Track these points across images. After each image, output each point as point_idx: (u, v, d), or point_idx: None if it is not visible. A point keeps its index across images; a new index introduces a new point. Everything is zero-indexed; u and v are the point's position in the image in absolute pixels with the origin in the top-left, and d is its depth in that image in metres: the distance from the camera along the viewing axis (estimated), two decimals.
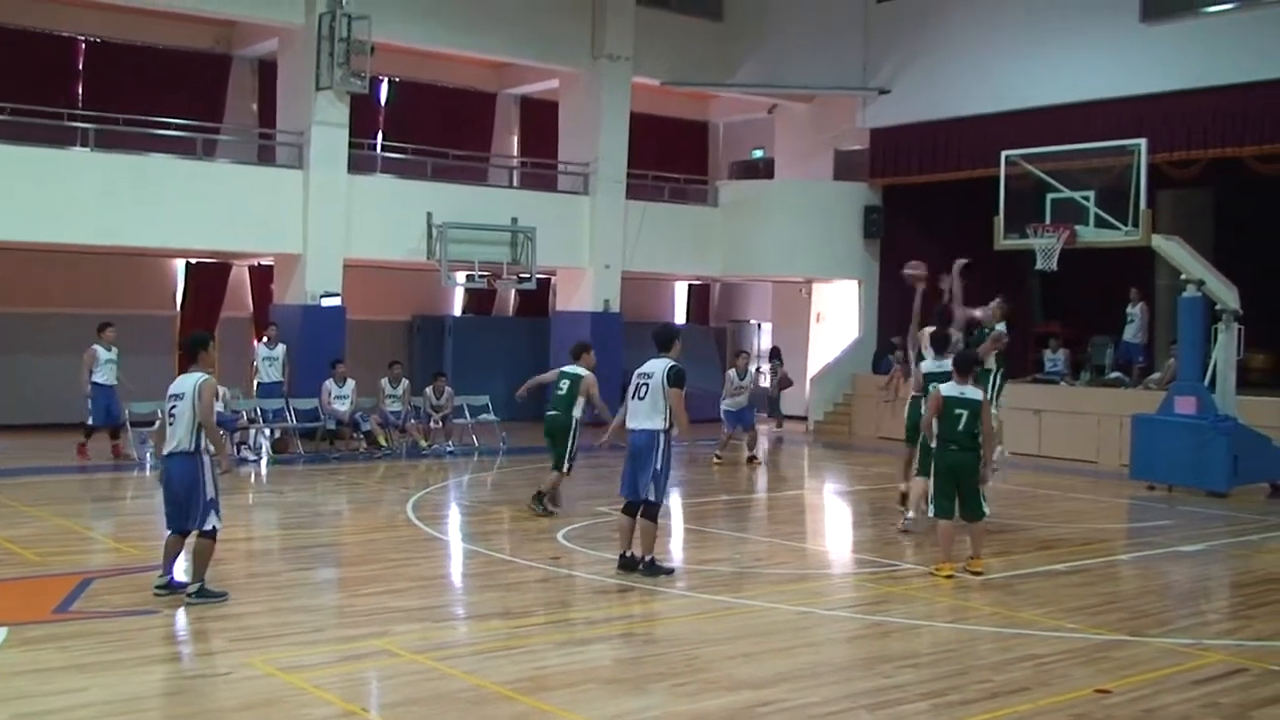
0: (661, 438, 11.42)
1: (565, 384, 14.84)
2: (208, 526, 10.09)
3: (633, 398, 11.68)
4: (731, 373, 21.34)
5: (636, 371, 11.81)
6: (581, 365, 14.91)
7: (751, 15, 28.51)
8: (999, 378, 14.70)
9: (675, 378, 11.44)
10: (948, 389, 11.84)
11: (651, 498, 11.43)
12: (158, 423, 10.50)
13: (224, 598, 10.12)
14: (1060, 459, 21.68)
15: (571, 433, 14.63)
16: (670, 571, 11.60)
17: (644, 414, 11.52)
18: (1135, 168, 17.75)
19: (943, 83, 25.69)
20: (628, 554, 11.62)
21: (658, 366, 11.59)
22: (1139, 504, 17.52)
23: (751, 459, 21.07)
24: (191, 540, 10.20)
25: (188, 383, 10.14)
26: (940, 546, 11.88)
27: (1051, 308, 27.65)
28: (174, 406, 10.12)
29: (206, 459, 10.10)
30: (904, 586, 11.46)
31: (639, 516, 11.51)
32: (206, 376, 10.22)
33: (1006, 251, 19.86)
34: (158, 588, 10.24)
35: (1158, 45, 22.48)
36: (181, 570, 10.36)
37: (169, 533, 10.30)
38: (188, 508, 10.08)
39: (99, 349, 19.33)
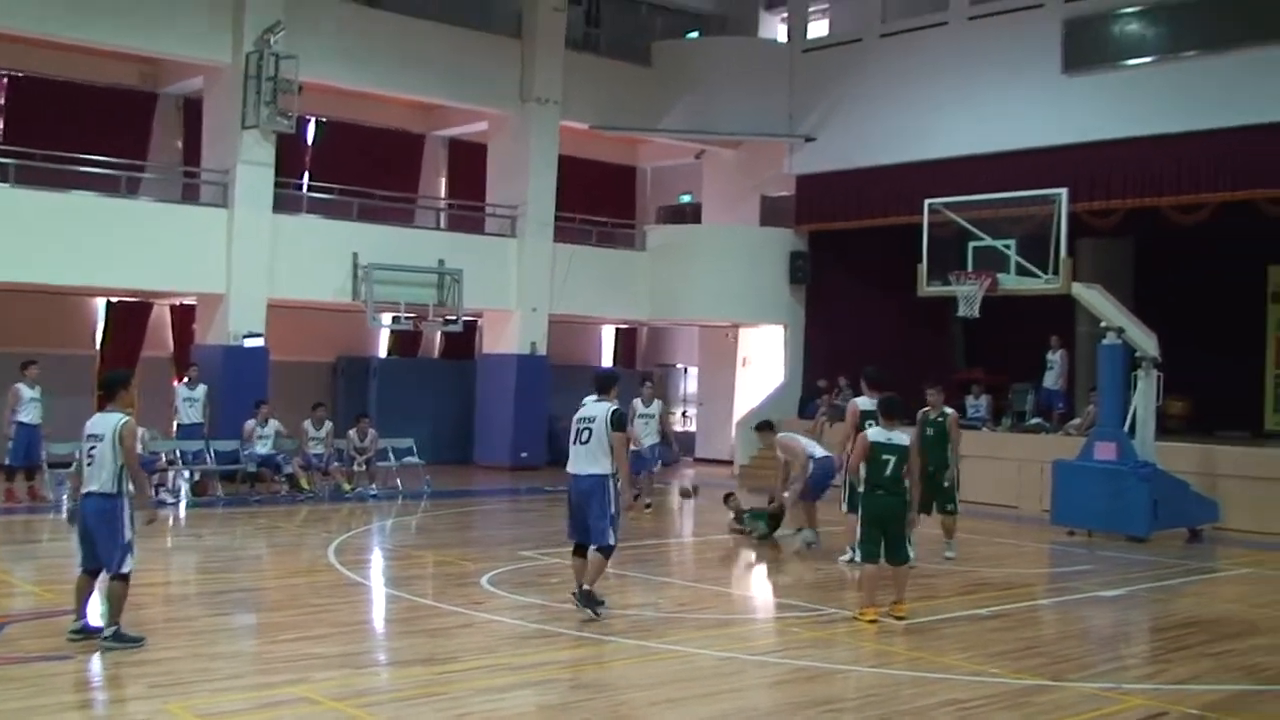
0: (609, 482, 11.41)
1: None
2: (124, 569, 9.88)
3: (574, 442, 11.62)
4: (636, 402, 19.96)
5: (576, 416, 11.78)
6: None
7: (679, 62, 28.73)
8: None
9: (617, 421, 11.52)
10: (875, 434, 11.90)
11: (610, 542, 11.48)
12: (75, 463, 10.31)
13: (141, 642, 9.90)
14: (982, 504, 21.79)
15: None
16: (602, 603, 11.56)
17: (588, 458, 11.48)
18: (1056, 217, 18.03)
19: (867, 131, 26.02)
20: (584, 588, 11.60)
21: (599, 410, 11.61)
22: (1060, 549, 17.69)
23: (647, 505, 20.06)
24: (103, 583, 9.99)
25: (107, 423, 9.98)
26: (864, 590, 11.91)
27: (973, 354, 27.95)
28: (93, 447, 9.95)
29: (126, 501, 9.94)
30: (828, 631, 11.48)
31: (593, 552, 11.50)
32: (126, 418, 10.06)
33: (930, 298, 20.12)
34: (72, 632, 9.99)
35: (1079, 96, 22.91)
36: (96, 614, 10.15)
37: (79, 573, 10.12)
38: (104, 549, 9.89)
39: (22, 388, 18.96)
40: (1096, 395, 19.81)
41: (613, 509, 11.43)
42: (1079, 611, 13.26)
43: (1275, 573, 16.04)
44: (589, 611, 11.38)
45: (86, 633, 10.00)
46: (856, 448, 12.06)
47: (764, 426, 18.14)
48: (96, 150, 22.16)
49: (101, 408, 10.48)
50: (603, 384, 11.99)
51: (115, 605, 9.90)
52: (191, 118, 24.47)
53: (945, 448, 15.28)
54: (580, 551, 11.62)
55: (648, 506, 20.11)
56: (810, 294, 28.16)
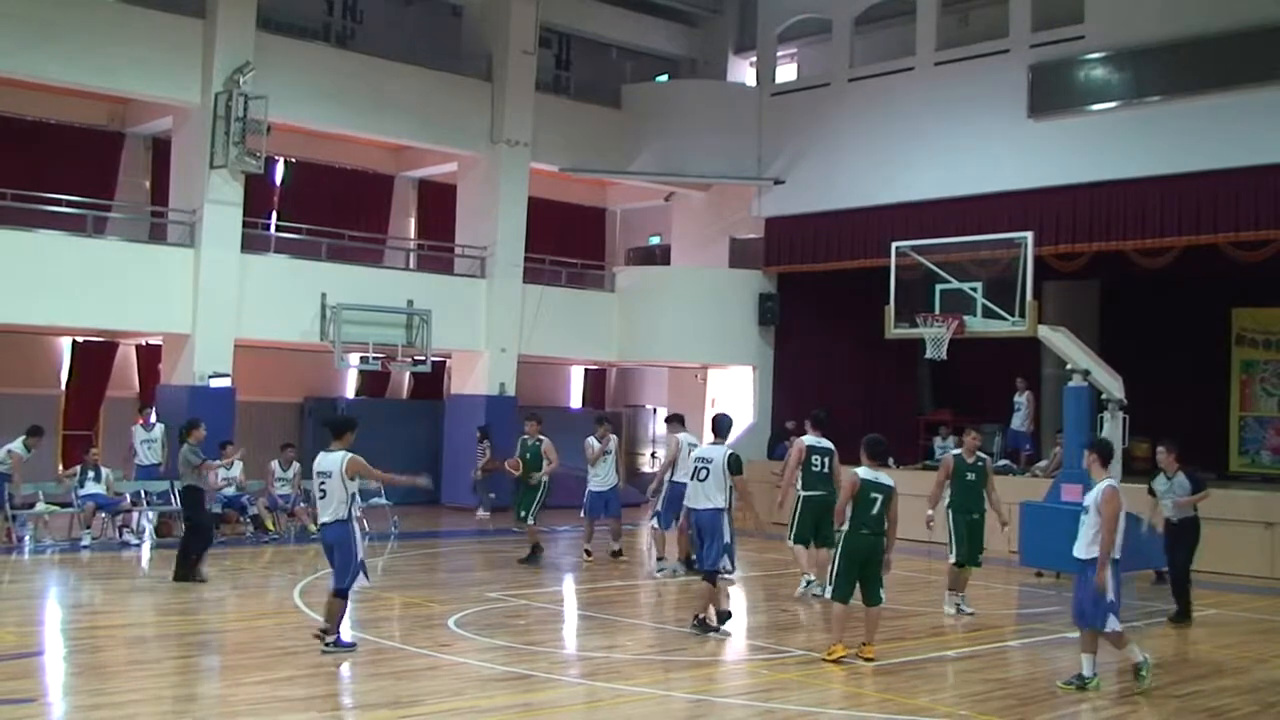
0: (724, 515, 13.01)
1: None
2: (347, 587, 11.51)
3: (693, 479, 13.28)
4: (590, 440, 18.81)
5: (695, 455, 13.59)
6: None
7: (649, 105, 28.88)
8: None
9: (735, 465, 13.13)
10: (864, 473, 11.86)
11: (718, 567, 13.05)
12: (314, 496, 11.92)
13: (354, 647, 11.64)
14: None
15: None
16: (714, 628, 13.10)
17: (706, 494, 13.10)
18: (1022, 260, 18.17)
19: (835, 174, 26.18)
20: (724, 610, 13.29)
21: (716, 453, 13.24)
22: (1028, 590, 17.71)
23: (617, 553, 18.96)
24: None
25: (333, 461, 11.52)
26: (834, 629, 11.88)
27: (941, 395, 28.06)
28: (323, 483, 11.53)
29: (356, 526, 11.57)
30: (797, 673, 11.44)
31: (702, 579, 13.17)
32: (350, 455, 11.59)
33: (898, 340, 20.20)
34: (328, 644, 11.50)
35: (1044, 141, 23.11)
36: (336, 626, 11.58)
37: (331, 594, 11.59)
38: (340, 568, 11.51)
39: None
40: (1062, 437, 19.89)
41: (726, 538, 13.00)
42: (1047, 653, 13.27)
43: (1241, 614, 16.11)
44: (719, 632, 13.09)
45: (340, 645, 11.54)
46: (845, 486, 12.09)
47: (672, 420, 18.34)
48: (64, 189, 22.08)
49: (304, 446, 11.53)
50: (720, 427, 13.71)
51: (334, 616, 11.54)
52: (160, 157, 24.42)
53: (984, 493, 15.08)
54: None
55: (617, 553, 18.99)
56: (779, 336, 28.23)
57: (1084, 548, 11.10)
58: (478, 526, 23.74)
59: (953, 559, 14.94)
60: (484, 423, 25.64)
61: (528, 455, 18.57)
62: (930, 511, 14.66)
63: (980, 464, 15.19)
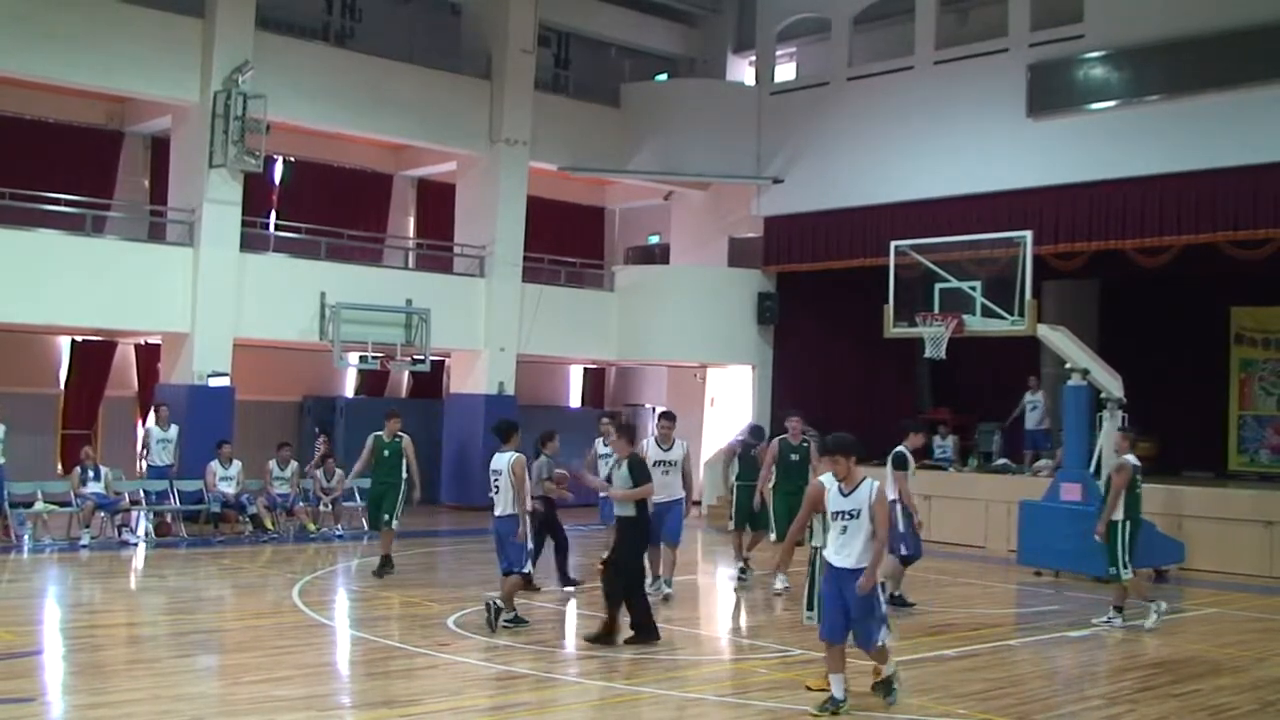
0: (897, 505, 14.09)
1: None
2: (525, 570, 12.93)
3: None
4: (648, 442, 16.17)
5: None
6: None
7: (648, 103, 28.85)
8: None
9: (899, 462, 14.55)
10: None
11: (906, 552, 14.65)
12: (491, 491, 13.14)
13: (526, 624, 12.86)
14: (949, 544, 21.84)
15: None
16: (913, 604, 14.86)
17: None
18: (1021, 259, 18.16)
19: (834, 173, 26.16)
20: None
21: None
22: (1027, 589, 17.72)
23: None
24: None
25: (504, 460, 12.90)
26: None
27: (940, 394, 28.06)
28: (496, 480, 12.89)
29: (525, 518, 12.85)
30: (797, 673, 11.44)
31: (895, 563, 14.34)
32: (518, 455, 12.96)
33: (897, 339, 20.21)
34: (498, 620, 12.64)
35: (1044, 140, 23.08)
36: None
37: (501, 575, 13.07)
38: (513, 554, 12.79)
39: None
40: (1063, 435, 19.91)
41: (900, 527, 14.21)
42: (1046, 652, 13.28)
43: (1240, 613, 16.12)
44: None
45: (518, 622, 12.85)
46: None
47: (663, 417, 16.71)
48: (62, 189, 22.03)
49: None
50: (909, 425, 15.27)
51: (509, 594, 12.86)
52: (158, 156, 24.36)
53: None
54: None
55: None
56: (778, 335, 28.21)
57: (856, 556, 9.71)
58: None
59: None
60: (330, 421, 25.74)
61: (386, 453, 17.18)
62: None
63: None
